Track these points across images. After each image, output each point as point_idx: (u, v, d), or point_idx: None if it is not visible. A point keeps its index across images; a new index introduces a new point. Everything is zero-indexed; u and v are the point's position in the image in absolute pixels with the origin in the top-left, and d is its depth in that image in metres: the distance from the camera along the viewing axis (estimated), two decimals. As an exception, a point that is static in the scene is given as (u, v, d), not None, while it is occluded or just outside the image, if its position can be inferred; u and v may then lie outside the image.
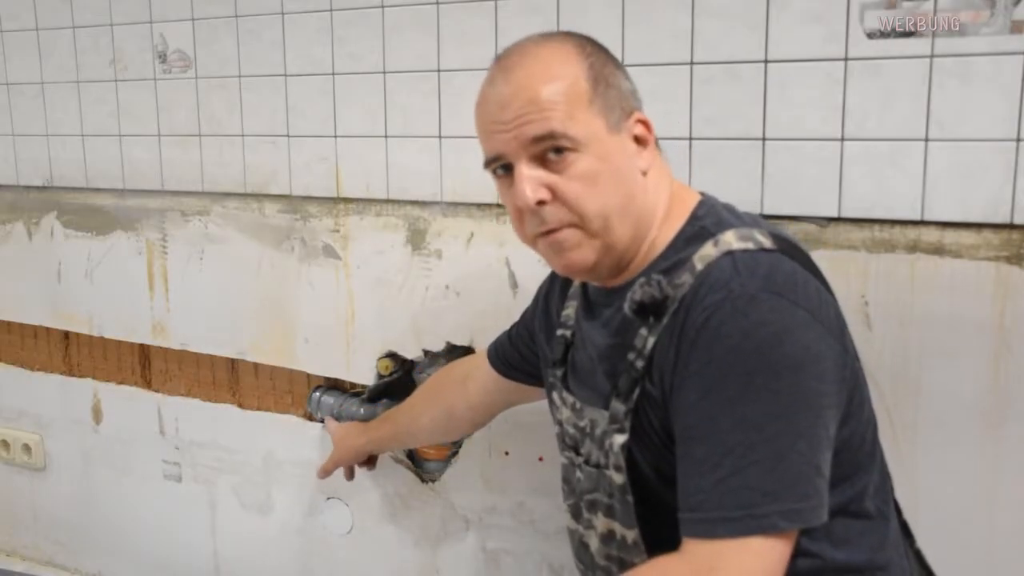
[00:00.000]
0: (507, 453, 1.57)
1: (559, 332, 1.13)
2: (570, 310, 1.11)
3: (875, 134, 1.21)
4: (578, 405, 1.03)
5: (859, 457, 0.93)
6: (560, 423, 1.09)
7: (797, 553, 0.86)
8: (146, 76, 1.79)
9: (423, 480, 1.67)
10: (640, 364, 0.92)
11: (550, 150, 0.91)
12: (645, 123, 0.97)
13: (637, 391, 0.92)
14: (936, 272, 1.21)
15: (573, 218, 0.93)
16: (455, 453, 1.63)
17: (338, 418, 1.71)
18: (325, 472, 1.60)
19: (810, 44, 1.22)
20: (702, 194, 1.00)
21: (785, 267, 0.88)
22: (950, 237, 1.20)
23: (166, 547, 2.02)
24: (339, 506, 1.77)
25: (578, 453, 1.03)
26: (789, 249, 0.92)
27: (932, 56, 1.16)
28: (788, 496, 0.82)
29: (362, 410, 1.68)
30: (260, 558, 1.90)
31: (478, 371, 1.38)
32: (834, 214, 1.25)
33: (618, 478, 0.95)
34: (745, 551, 0.82)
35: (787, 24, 1.23)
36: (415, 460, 1.70)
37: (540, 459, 1.54)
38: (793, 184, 1.26)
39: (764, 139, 1.27)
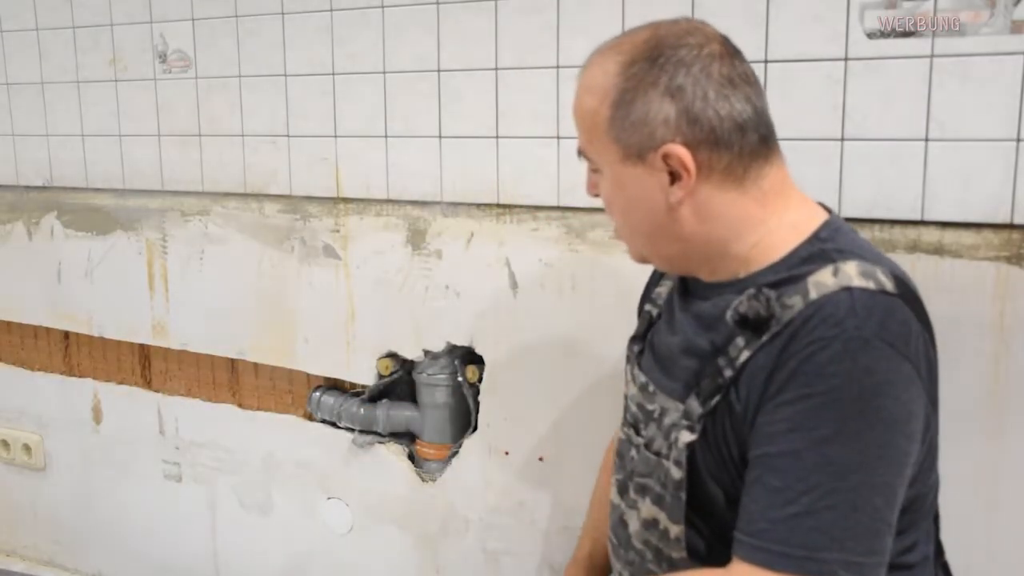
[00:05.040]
0: (507, 453, 1.57)
1: (646, 307, 1.12)
2: (663, 288, 1.10)
3: (875, 134, 1.21)
4: (651, 388, 1.01)
5: (916, 517, 0.94)
6: (626, 397, 1.08)
7: None
8: (146, 76, 1.79)
9: (423, 480, 1.67)
10: (729, 373, 0.90)
11: None
12: (672, 156, 0.89)
13: (718, 398, 0.91)
14: (936, 272, 1.21)
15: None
16: (455, 453, 1.63)
17: (338, 418, 1.71)
18: None
19: (810, 44, 1.22)
20: (829, 211, 0.97)
21: (901, 315, 0.85)
22: (950, 237, 1.20)
23: (166, 547, 2.02)
24: (339, 506, 1.77)
25: (638, 433, 1.02)
26: (907, 295, 0.88)
27: (932, 56, 1.16)
28: (855, 548, 0.82)
29: (362, 410, 1.68)
30: (260, 558, 1.90)
31: None
32: (834, 214, 1.25)
33: (676, 473, 0.94)
34: None
35: (787, 24, 1.23)
36: (415, 460, 1.70)
37: (540, 459, 1.54)
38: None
39: (764, 139, 1.27)
